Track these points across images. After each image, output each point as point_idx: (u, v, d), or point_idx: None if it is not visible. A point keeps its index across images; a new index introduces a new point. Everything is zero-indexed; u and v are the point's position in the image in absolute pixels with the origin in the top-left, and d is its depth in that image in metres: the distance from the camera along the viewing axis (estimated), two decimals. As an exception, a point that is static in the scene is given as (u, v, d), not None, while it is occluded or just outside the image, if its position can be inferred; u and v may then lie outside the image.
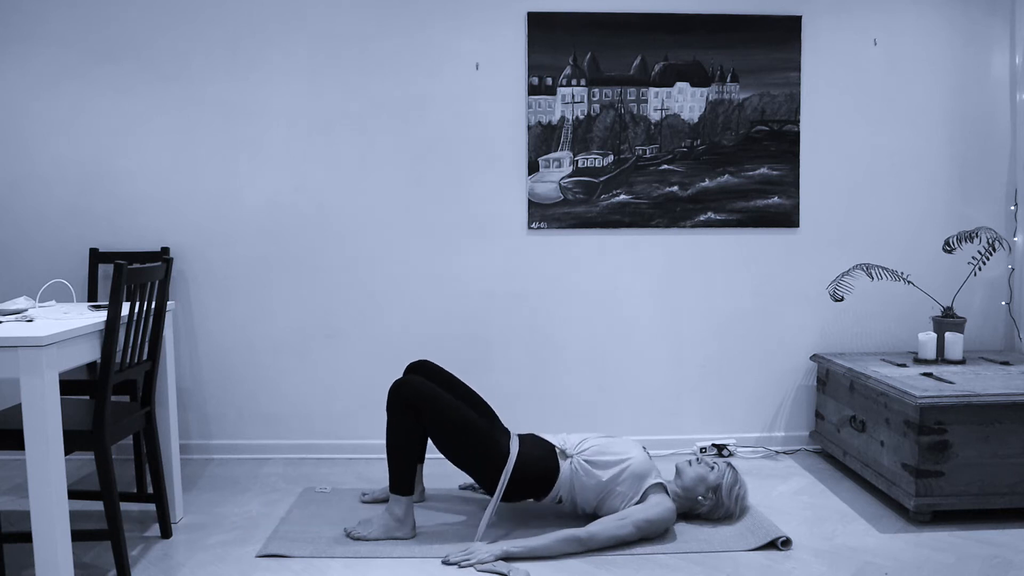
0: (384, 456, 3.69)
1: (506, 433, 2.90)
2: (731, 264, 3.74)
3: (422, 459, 3.05)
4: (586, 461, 2.79)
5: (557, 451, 2.83)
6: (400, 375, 3.67)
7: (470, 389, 3.05)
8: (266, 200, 3.64)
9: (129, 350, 2.49)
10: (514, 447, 2.79)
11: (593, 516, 2.86)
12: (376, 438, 3.72)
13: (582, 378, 3.74)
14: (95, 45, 3.56)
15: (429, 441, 2.84)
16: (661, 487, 2.79)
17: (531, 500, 2.88)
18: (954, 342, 3.41)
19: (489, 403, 3.53)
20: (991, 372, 3.22)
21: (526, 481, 2.77)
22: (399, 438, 2.74)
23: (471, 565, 2.55)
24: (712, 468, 2.89)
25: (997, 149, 3.77)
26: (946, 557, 2.61)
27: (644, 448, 2.90)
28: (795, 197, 3.71)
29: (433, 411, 2.71)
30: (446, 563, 2.59)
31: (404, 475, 2.74)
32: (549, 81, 3.61)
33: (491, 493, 2.77)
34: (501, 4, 3.59)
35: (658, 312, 3.74)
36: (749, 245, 3.74)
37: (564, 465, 2.80)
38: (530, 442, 2.86)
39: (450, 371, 3.30)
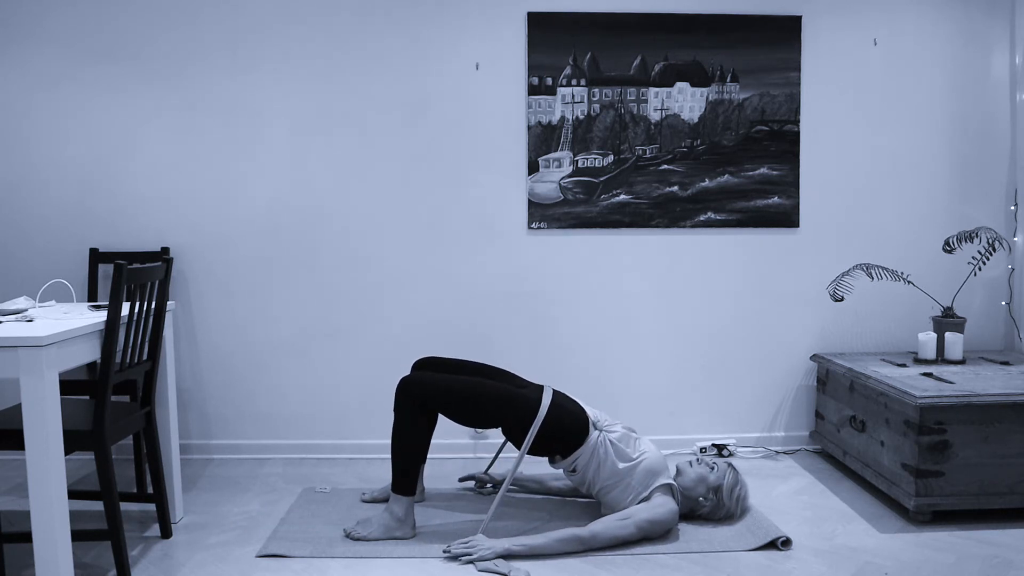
0: (385, 456, 3.69)
1: (539, 388, 2.90)
2: (731, 264, 3.74)
3: (424, 460, 3.05)
4: (611, 442, 2.80)
5: (589, 418, 2.84)
6: (399, 375, 3.66)
7: (483, 365, 3.06)
8: (266, 200, 3.64)
9: (129, 350, 2.49)
10: (547, 398, 2.80)
11: (595, 499, 2.86)
12: (376, 438, 3.72)
13: (582, 378, 3.74)
14: (95, 45, 3.56)
15: (431, 441, 2.84)
16: (668, 488, 2.79)
17: (551, 460, 2.87)
18: (954, 342, 3.41)
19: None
20: (991, 372, 3.22)
21: (557, 431, 2.76)
22: (405, 438, 2.74)
23: (471, 561, 2.55)
24: (713, 469, 2.89)
25: (997, 149, 3.77)
26: (946, 557, 2.61)
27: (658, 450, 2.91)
28: (795, 197, 3.71)
29: (443, 397, 2.72)
30: (446, 552, 2.60)
31: (407, 475, 2.75)
32: (549, 81, 3.61)
33: (520, 446, 2.77)
34: (501, 4, 3.59)
35: (658, 312, 3.74)
36: (749, 245, 3.74)
37: (593, 434, 2.80)
38: (564, 397, 2.88)
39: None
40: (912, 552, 2.65)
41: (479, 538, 2.63)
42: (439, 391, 2.72)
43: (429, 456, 3.64)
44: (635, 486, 2.76)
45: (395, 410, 2.77)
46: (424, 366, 3.04)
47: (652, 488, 2.75)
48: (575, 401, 2.89)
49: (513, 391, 2.79)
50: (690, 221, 3.69)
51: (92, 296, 3.54)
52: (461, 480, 3.31)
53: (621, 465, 2.77)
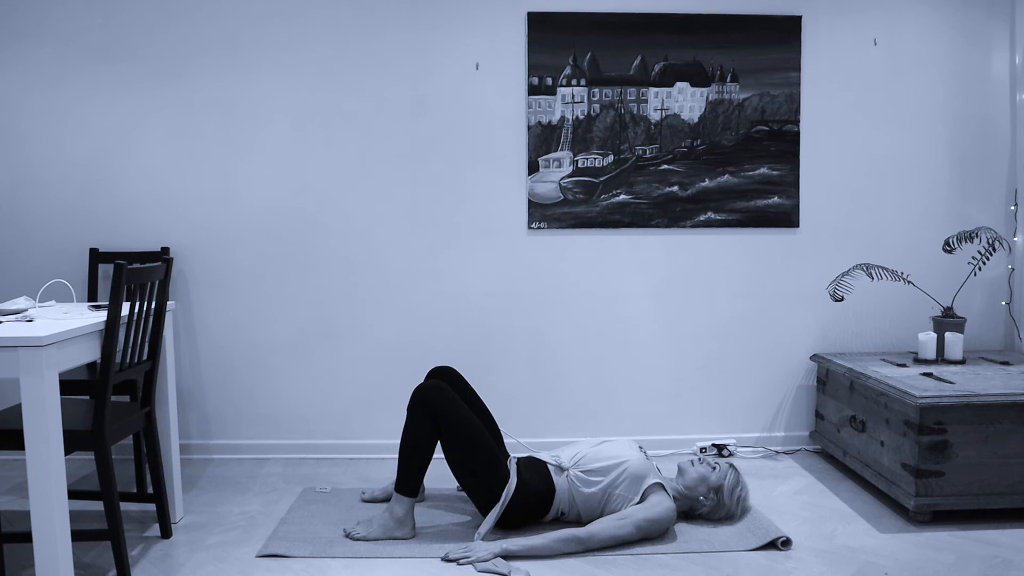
0: (384, 455, 3.69)
1: (507, 456, 2.90)
2: (731, 264, 3.74)
3: (429, 462, 3.04)
4: (582, 472, 2.79)
5: (551, 468, 2.84)
6: (399, 375, 3.67)
7: (483, 404, 3.06)
8: (266, 200, 3.64)
9: (129, 350, 2.49)
10: (512, 474, 2.78)
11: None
12: (376, 438, 3.72)
13: (582, 378, 3.74)
14: (94, 45, 3.56)
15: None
16: (660, 487, 2.78)
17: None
18: (954, 342, 3.41)
19: (491, 405, 3.55)
20: (991, 372, 3.22)
21: (524, 508, 2.77)
22: (416, 441, 2.74)
23: (470, 563, 2.55)
24: (714, 468, 2.89)
25: (997, 149, 3.77)
26: (946, 557, 2.61)
27: (641, 448, 2.90)
28: (795, 197, 3.71)
29: (452, 422, 2.71)
30: (445, 559, 2.59)
31: (413, 477, 2.74)
32: (549, 81, 3.61)
33: (485, 513, 2.77)
34: (501, 4, 3.59)
35: (658, 312, 3.74)
36: (749, 245, 3.74)
37: (560, 480, 2.81)
38: (526, 468, 2.84)
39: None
40: (912, 552, 2.65)
41: (476, 543, 2.63)
42: (451, 412, 2.71)
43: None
44: (624, 494, 2.76)
45: (408, 412, 2.77)
46: (441, 376, 3.04)
47: (642, 491, 2.75)
48: (536, 462, 2.87)
49: (497, 458, 2.76)
50: (690, 221, 3.69)
51: (92, 296, 3.54)
52: (460, 490, 3.28)
53: (604, 482, 2.77)
